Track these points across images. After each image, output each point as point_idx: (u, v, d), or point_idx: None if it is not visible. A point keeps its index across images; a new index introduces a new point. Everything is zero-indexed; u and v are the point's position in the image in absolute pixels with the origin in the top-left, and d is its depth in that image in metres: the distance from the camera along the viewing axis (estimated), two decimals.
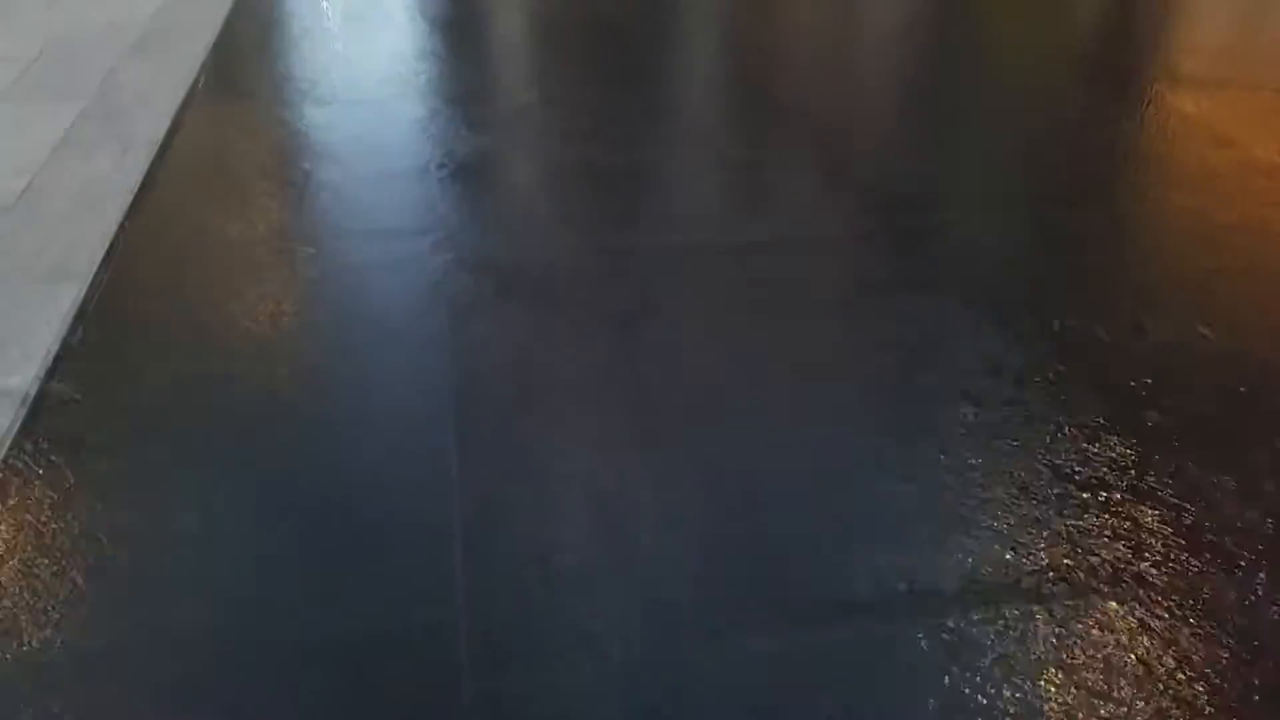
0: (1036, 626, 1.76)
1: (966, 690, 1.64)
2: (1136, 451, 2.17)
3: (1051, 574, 1.87)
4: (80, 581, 1.81)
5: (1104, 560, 1.90)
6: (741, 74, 4.51)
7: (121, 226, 2.98)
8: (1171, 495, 2.06)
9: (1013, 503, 2.04)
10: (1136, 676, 1.67)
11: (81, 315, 2.58)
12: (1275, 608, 1.81)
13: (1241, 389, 2.40)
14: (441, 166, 3.45)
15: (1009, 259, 2.95)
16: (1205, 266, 2.92)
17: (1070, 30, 5.20)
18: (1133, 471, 2.12)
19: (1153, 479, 2.10)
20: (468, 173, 3.42)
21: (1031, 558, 1.90)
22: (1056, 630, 1.75)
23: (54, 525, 1.94)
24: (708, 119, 3.99)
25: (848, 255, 2.97)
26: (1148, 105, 4.08)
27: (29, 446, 2.14)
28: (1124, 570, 1.88)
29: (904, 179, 3.40)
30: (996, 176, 3.50)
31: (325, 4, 5.15)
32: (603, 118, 3.87)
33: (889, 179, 3.40)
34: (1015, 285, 2.81)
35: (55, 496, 2.01)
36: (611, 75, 4.35)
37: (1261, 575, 1.87)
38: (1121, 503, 2.04)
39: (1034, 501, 2.04)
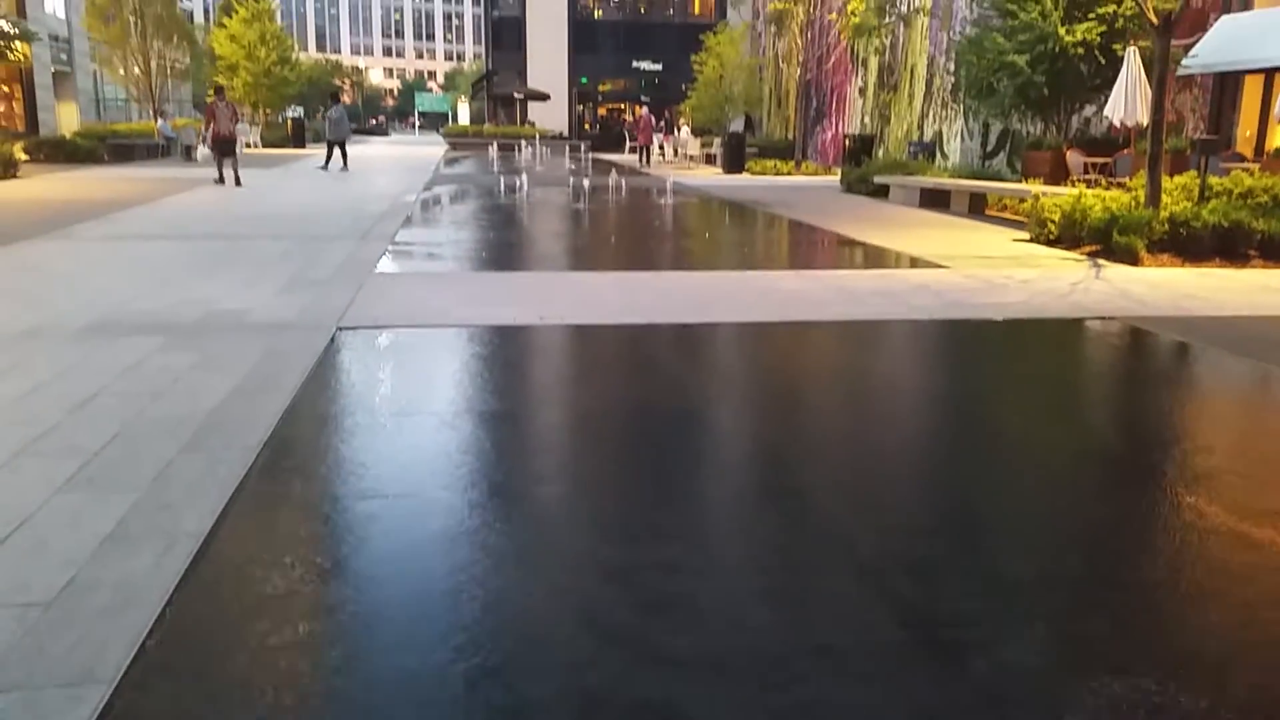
0: None
1: None
2: None
3: None
4: None
5: None
6: (769, 466, 4.67)
7: (154, 627, 3.00)
8: None
9: None
10: None
11: None
12: None
13: None
14: (473, 564, 3.50)
15: (1046, 679, 2.87)
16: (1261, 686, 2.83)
17: (1082, 427, 5.40)
18: None
19: None
20: (499, 575, 3.46)
21: None
22: None
23: None
24: (732, 515, 4.08)
25: (878, 672, 2.90)
26: (1167, 506, 4.14)
27: None
28: None
29: (933, 587, 3.40)
30: (1025, 586, 3.48)
31: (377, 402, 5.49)
32: (633, 520, 3.98)
33: (918, 587, 3.40)
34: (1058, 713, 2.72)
35: None
36: (648, 468, 4.52)
37: None
38: None
39: None
